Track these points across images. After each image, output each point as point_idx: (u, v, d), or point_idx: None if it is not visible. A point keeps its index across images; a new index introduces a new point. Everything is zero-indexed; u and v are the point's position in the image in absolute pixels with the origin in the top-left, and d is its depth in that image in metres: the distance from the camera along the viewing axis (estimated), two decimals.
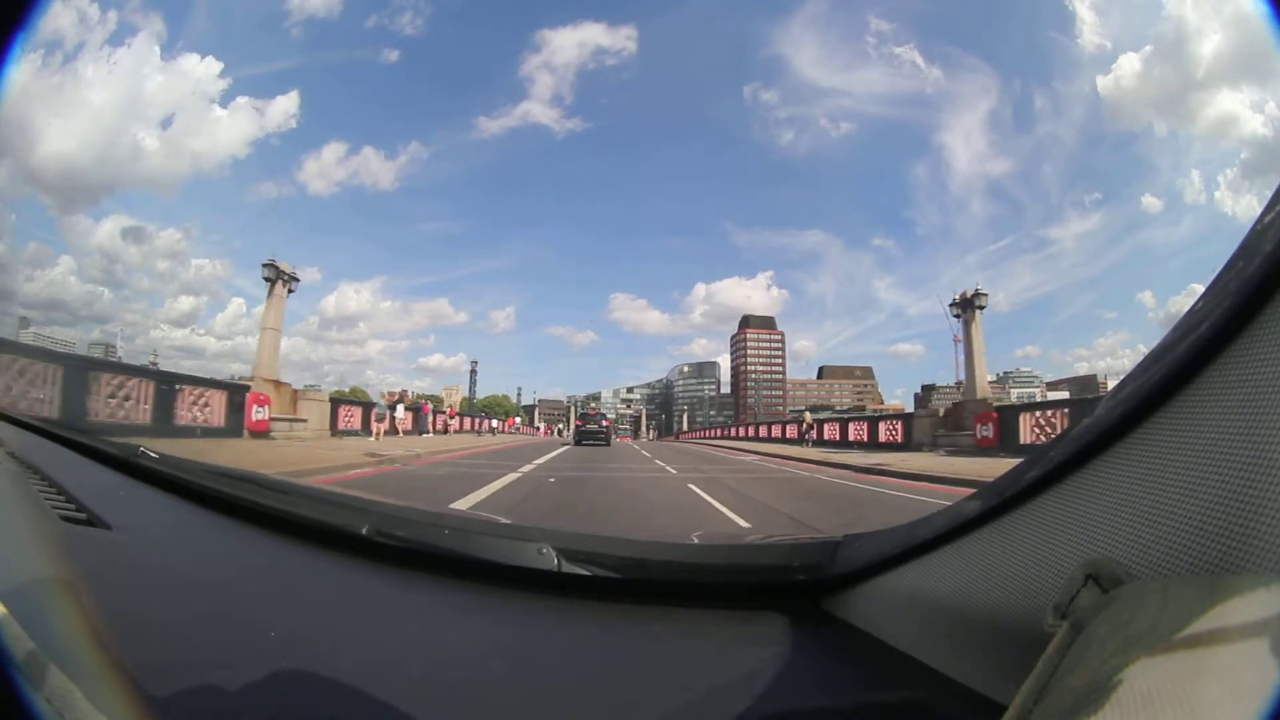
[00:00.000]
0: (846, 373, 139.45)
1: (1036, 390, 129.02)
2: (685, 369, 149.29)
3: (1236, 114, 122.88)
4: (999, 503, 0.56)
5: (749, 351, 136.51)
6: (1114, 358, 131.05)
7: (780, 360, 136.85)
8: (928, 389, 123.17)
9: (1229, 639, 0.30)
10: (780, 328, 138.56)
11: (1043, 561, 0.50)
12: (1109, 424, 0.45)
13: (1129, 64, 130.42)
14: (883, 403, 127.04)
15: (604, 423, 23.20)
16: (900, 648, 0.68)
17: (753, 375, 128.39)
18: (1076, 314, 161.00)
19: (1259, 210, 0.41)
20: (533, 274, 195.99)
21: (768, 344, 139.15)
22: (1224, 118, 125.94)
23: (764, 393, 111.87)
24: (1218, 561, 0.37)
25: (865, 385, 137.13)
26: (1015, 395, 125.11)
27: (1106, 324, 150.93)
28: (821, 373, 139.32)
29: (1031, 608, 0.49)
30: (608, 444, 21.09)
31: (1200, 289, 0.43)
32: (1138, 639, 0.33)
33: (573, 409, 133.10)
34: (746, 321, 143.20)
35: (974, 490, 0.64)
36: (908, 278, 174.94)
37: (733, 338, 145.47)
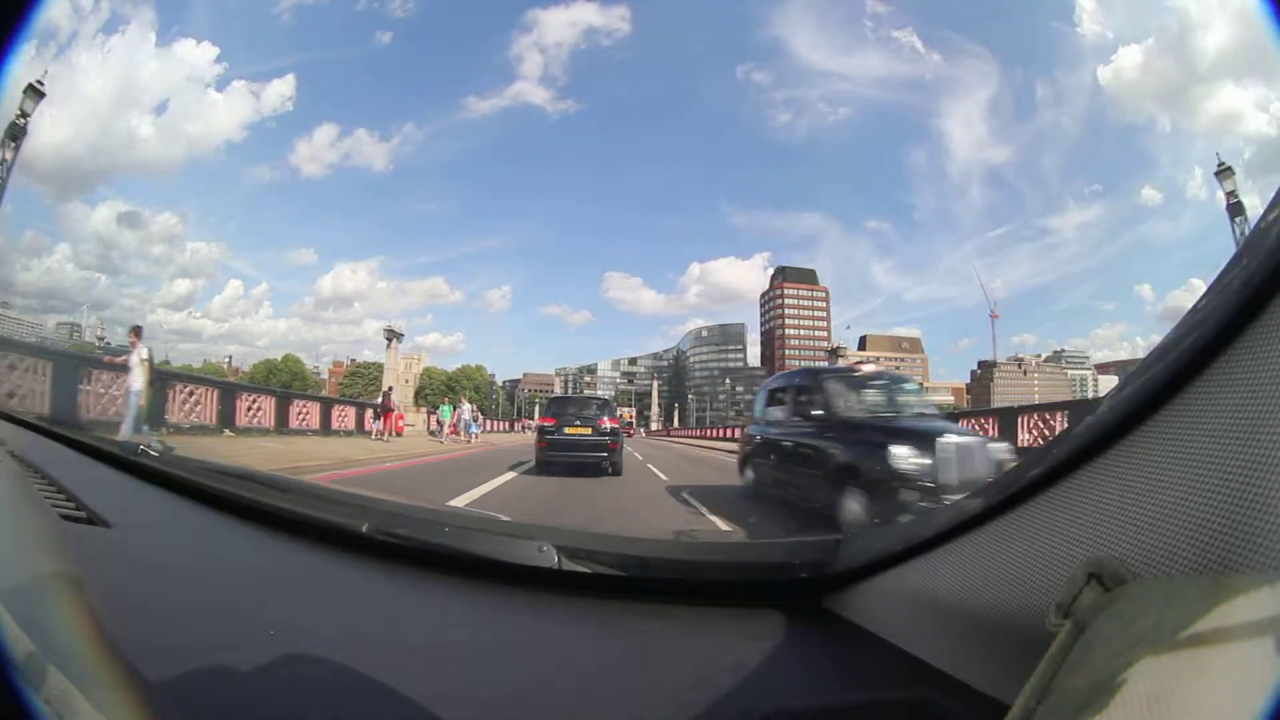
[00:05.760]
0: (893, 343, 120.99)
1: (1088, 372, 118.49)
2: (703, 333, 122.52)
3: (1240, 111, 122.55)
4: (1001, 501, 0.55)
5: (786, 312, 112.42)
6: (1112, 349, 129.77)
7: (824, 324, 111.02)
8: (985, 365, 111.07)
9: (1233, 638, 0.30)
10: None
11: (1045, 560, 0.50)
12: (1112, 421, 0.45)
13: (1130, 55, 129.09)
14: (929, 379, 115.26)
15: (603, 421, 9.20)
16: (902, 646, 0.67)
17: (792, 342, 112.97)
18: (1074, 304, 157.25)
19: (1262, 209, 0.41)
20: (528, 253, 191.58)
21: (809, 303, 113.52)
22: (1227, 114, 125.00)
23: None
24: (1221, 560, 0.37)
25: (913, 359, 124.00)
26: (1070, 375, 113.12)
27: (1104, 315, 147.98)
28: (864, 343, 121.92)
29: (1034, 606, 0.48)
30: (613, 469, 9.08)
31: (1202, 284, 0.43)
32: (1141, 638, 0.33)
33: (566, 386, 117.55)
34: (782, 274, 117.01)
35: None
36: (905, 262, 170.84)
37: (763, 295, 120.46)
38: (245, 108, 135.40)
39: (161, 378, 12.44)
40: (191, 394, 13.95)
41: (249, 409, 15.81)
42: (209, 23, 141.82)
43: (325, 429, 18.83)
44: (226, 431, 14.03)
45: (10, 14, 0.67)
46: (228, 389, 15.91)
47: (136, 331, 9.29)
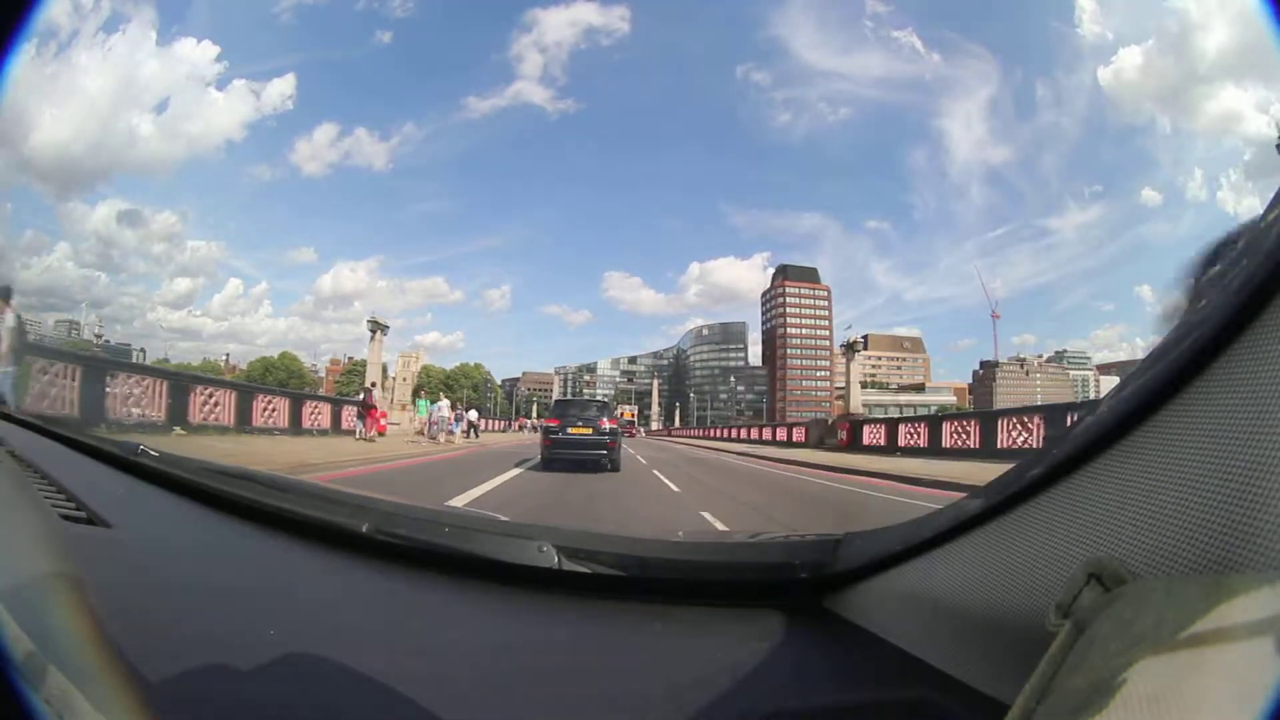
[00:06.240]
0: (894, 343, 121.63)
1: (1090, 373, 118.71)
2: (704, 331, 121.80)
3: (1240, 112, 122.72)
4: (1001, 501, 0.56)
5: (788, 311, 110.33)
6: (1112, 350, 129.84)
7: (826, 323, 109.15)
8: (988, 365, 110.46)
9: (1233, 638, 0.30)
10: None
11: (1045, 560, 0.50)
12: (1112, 422, 0.45)
13: (1130, 56, 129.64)
14: (930, 379, 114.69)
15: (603, 422, 10.14)
16: (902, 646, 0.67)
17: (794, 341, 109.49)
18: (1074, 305, 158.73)
19: (1261, 209, 0.40)
20: (528, 253, 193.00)
21: (811, 302, 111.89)
22: (1227, 115, 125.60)
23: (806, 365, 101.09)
24: (1221, 560, 0.37)
25: (915, 359, 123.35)
26: (1071, 376, 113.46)
27: (1104, 316, 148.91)
28: (865, 342, 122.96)
29: (1034, 606, 0.49)
30: (611, 465, 9.96)
31: None
32: (1141, 638, 0.33)
33: (565, 384, 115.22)
34: (784, 272, 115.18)
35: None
36: (905, 262, 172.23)
37: (765, 293, 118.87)
38: (245, 107, 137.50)
39: (75, 358, 10.99)
40: (137, 386, 12.26)
41: (205, 404, 14.08)
42: (209, 22, 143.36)
43: (295, 428, 16.95)
44: (177, 429, 12.40)
45: (10, 14, 0.67)
46: (180, 382, 14.01)
47: (3, 294, 7.23)
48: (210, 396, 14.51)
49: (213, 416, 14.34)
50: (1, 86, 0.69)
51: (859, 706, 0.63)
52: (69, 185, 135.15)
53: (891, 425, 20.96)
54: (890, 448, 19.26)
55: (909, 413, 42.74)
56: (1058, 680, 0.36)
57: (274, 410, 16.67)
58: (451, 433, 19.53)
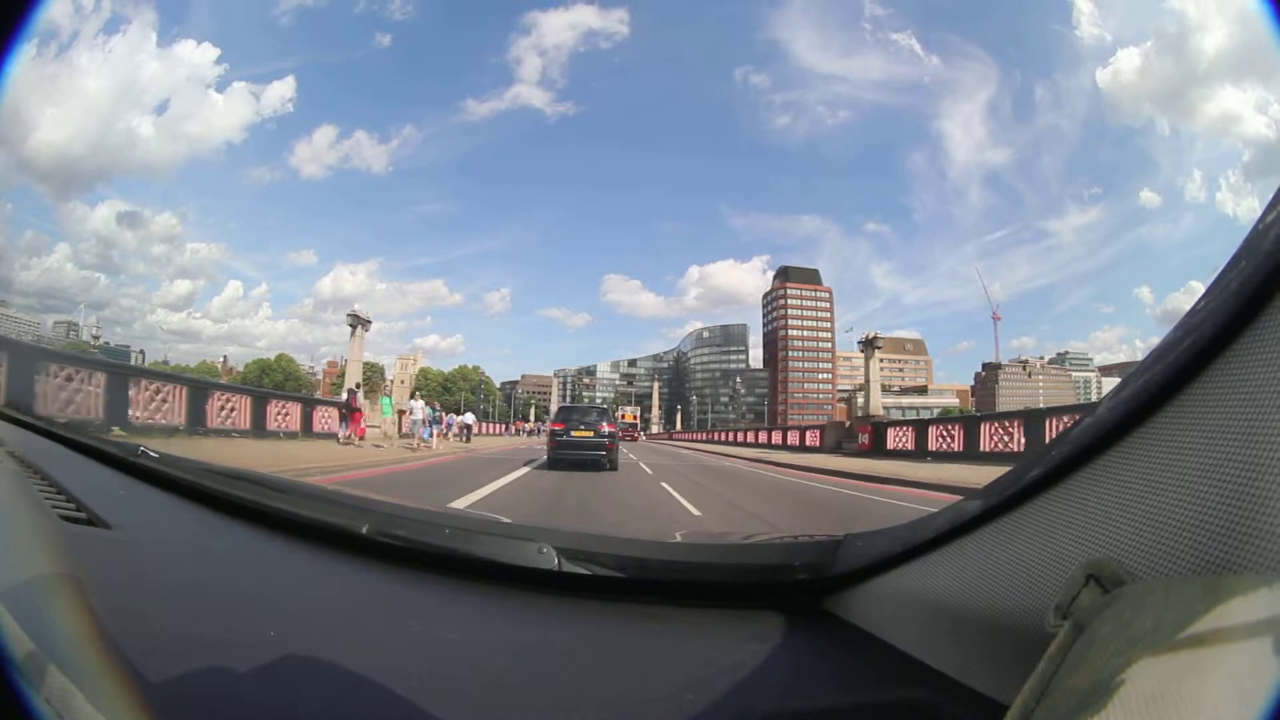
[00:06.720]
0: (896, 345, 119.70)
1: (1092, 375, 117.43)
2: (704, 334, 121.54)
3: (1239, 113, 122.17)
4: (1000, 502, 0.56)
5: (790, 313, 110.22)
6: (1111, 352, 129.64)
7: (828, 325, 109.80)
8: (990, 367, 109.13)
9: (1231, 638, 0.30)
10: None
11: (1044, 561, 0.50)
12: (1111, 423, 0.45)
13: (1129, 58, 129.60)
14: (932, 382, 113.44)
15: (603, 426, 11.55)
16: (901, 647, 0.67)
17: (795, 343, 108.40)
18: (1073, 307, 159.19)
19: (1260, 210, 0.40)
20: (527, 255, 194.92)
21: (813, 303, 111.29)
22: (1226, 115, 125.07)
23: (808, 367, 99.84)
24: (1220, 561, 0.37)
25: (917, 361, 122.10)
26: (1074, 377, 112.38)
27: (1103, 318, 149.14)
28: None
29: (1033, 608, 0.49)
30: (610, 464, 11.22)
31: (1200, 286, 0.43)
32: (1140, 639, 0.33)
33: (564, 387, 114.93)
34: (785, 274, 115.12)
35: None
36: (905, 265, 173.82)
37: (766, 295, 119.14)
38: (245, 109, 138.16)
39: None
40: (70, 380, 10.71)
41: (150, 401, 12.44)
42: (210, 24, 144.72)
43: (258, 429, 15.51)
44: (115, 429, 10.72)
45: (10, 14, 0.67)
46: (120, 375, 12.29)
47: None
48: (157, 393, 12.83)
49: (160, 415, 12.79)
50: (2, 86, 0.69)
51: (858, 707, 0.63)
52: (69, 186, 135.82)
53: (920, 427, 19.35)
54: (920, 452, 17.76)
55: (911, 415, 41.19)
56: (1057, 680, 0.36)
57: (233, 409, 15.13)
58: (425, 437, 16.70)
